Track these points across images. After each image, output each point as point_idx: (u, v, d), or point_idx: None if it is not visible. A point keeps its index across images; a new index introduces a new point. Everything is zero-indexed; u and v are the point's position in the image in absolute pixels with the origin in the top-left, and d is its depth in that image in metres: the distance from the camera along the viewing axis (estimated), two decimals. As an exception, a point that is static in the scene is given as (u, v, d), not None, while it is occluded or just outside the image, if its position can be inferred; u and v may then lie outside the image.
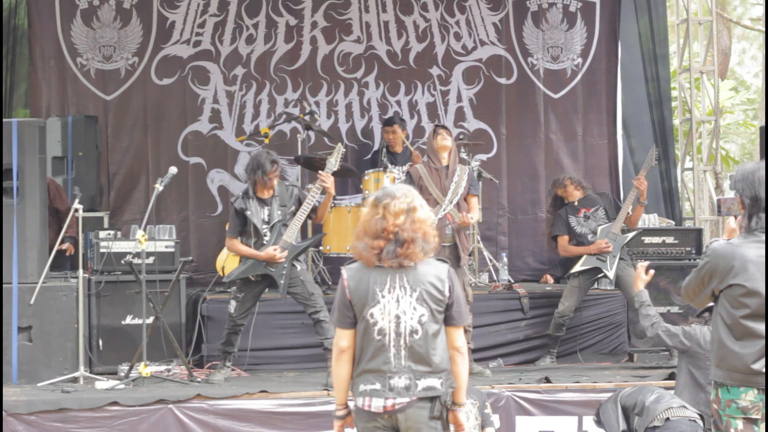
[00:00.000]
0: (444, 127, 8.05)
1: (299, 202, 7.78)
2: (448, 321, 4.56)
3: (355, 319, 4.55)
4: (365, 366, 4.52)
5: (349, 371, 4.57)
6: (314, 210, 7.87)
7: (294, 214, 7.76)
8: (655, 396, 6.48)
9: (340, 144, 8.19)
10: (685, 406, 6.43)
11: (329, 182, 7.70)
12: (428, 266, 4.55)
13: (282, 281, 7.71)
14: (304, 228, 8.96)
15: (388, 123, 10.15)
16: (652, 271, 6.60)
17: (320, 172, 7.75)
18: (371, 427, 4.52)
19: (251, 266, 7.74)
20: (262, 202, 7.75)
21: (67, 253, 8.25)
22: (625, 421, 6.51)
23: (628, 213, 8.78)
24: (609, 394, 7.21)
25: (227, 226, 9.37)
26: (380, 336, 4.49)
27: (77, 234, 8.67)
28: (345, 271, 4.63)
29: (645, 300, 6.82)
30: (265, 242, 7.73)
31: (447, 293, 4.53)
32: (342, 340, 4.57)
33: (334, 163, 7.89)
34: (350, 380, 4.58)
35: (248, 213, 7.70)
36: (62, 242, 8.21)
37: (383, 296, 4.50)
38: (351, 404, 4.62)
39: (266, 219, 7.74)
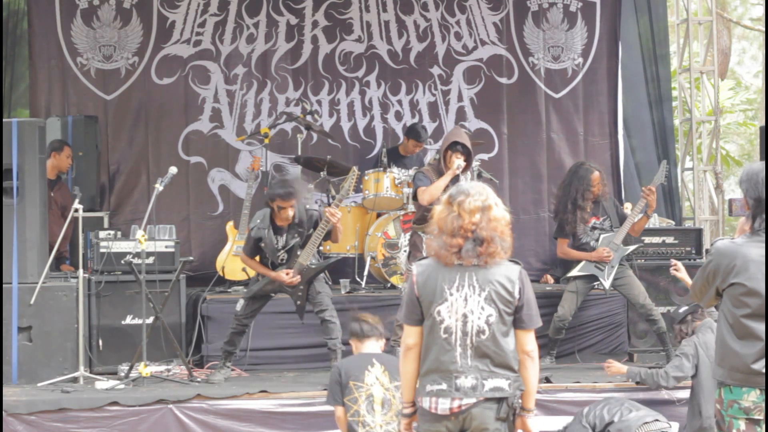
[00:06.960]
0: (460, 151, 7.77)
1: (317, 226, 7.67)
2: (518, 324, 4.47)
3: (423, 316, 4.48)
4: (431, 365, 4.45)
5: (415, 369, 4.51)
6: (329, 233, 7.72)
7: (311, 237, 7.66)
8: (625, 409, 6.59)
9: (354, 168, 8.08)
10: (658, 419, 6.54)
11: (335, 219, 7.57)
12: (499, 266, 4.46)
13: (299, 302, 7.72)
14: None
15: (417, 138, 10.00)
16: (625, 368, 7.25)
17: (327, 208, 7.63)
18: (435, 430, 4.44)
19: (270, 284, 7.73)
20: (279, 230, 7.68)
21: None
22: None
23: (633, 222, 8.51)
24: (608, 395, 7.22)
25: (228, 225, 9.47)
26: (446, 334, 4.42)
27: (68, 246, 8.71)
28: (415, 267, 4.56)
29: (636, 371, 7.22)
30: (280, 264, 7.71)
31: (517, 295, 4.45)
32: (409, 337, 4.52)
33: (347, 189, 7.78)
34: (417, 378, 4.51)
35: (262, 244, 7.65)
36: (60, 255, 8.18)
37: (451, 294, 4.42)
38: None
39: (282, 245, 7.68)
